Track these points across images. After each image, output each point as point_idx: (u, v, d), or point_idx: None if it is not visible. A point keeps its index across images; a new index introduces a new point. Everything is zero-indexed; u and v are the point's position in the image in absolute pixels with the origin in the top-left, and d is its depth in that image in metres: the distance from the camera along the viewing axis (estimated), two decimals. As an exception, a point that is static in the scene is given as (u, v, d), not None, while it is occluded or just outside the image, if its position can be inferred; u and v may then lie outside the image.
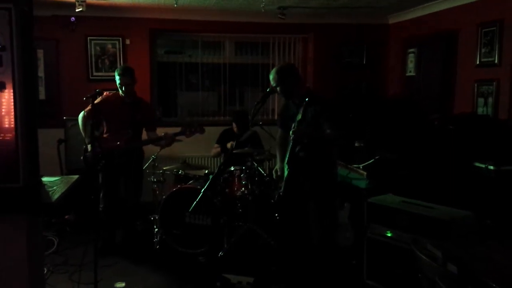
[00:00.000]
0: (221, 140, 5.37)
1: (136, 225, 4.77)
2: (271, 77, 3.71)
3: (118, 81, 4.33)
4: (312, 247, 3.79)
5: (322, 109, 3.51)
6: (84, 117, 4.38)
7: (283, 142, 4.03)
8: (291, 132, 3.57)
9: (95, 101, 4.30)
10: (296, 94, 3.69)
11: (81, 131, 4.43)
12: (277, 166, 4.00)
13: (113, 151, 4.26)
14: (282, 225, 4.40)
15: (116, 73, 4.36)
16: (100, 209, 4.41)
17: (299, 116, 3.46)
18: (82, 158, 4.43)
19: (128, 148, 4.33)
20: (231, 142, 5.07)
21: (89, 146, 4.33)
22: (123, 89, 4.34)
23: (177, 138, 4.41)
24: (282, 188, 3.84)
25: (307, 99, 3.48)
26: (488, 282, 1.97)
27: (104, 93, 4.40)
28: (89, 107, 4.34)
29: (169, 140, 4.39)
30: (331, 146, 3.80)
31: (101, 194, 4.42)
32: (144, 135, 4.58)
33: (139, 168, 4.57)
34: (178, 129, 4.40)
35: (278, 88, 3.68)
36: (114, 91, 4.53)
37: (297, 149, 3.65)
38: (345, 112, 5.53)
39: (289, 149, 3.68)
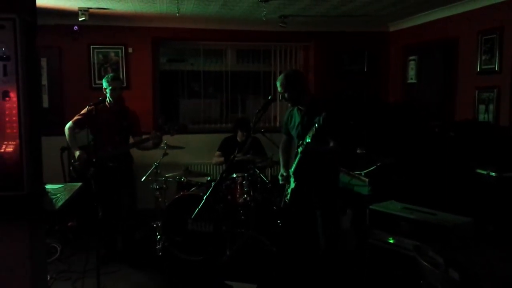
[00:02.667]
0: (223, 148, 5.38)
1: (134, 233, 4.77)
2: (278, 82, 3.70)
3: (111, 85, 4.36)
4: (319, 254, 3.78)
5: (327, 118, 3.52)
6: (70, 128, 4.39)
7: (286, 147, 4.04)
8: (299, 150, 3.57)
9: (82, 112, 4.36)
10: (302, 101, 3.70)
11: (68, 141, 4.44)
12: (282, 171, 4.00)
13: (102, 158, 4.23)
14: (286, 232, 4.40)
15: (106, 79, 4.39)
16: (99, 216, 4.42)
17: (310, 135, 3.43)
18: (71, 168, 4.45)
19: (116, 152, 4.36)
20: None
21: (76, 155, 4.34)
22: (115, 93, 4.38)
23: (164, 136, 4.45)
24: (288, 197, 3.84)
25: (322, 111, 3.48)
26: (490, 288, 1.98)
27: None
28: (76, 117, 4.39)
29: (156, 139, 4.40)
30: (334, 155, 3.81)
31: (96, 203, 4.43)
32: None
33: (130, 174, 4.60)
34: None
35: (285, 94, 3.68)
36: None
37: (305, 164, 3.65)
38: (346, 119, 5.55)
39: (296, 162, 3.69)
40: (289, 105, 3.89)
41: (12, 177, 2.25)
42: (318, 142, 3.52)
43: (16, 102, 2.24)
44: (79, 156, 4.30)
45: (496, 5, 4.71)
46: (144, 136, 4.48)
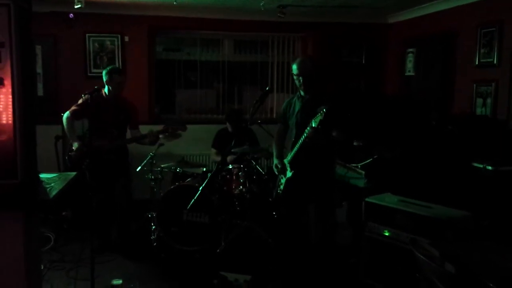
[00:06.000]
0: (217, 142, 5.32)
1: (129, 224, 4.75)
2: (298, 65, 3.65)
3: (118, 80, 4.31)
4: (311, 245, 3.78)
5: (332, 109, 3.50)
6: (68, 118, 4.32)
7: (281, 136, 4.02)
8: (303, 137, 3.53)
9: (79, 102, 4.31)
10: (314, 88, 3.69)
11: (66, 131, 4.38)
12: (276, 162, 3.98)
13: (98, 150, 4.21)
14: (281, 224, 4.39)
15: (109, 72, 4.32)
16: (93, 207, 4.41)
17: (317, 120, 3.38)
18: (66, 157, 4.42)
19: (113, 147, 4.34)
20: (230, 157, 5.00)
21: (74, 145, 4.29)
22: (120, 87, 4.33)
23: (161, 136, 4.41)
24: (282, 187, 3.83)
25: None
26: (486, 282, 1.98)
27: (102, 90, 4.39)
28: (74, 108, 4.33)
29: (153, 138, 4.39)
30: (332, 146, 3.80)
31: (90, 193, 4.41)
32: (128, 134, 4.58)
33: (126, 165, 4.58)
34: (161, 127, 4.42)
35: (303, 78, 3.64)
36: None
37: (304, 153, 3.62)
38: (344, 111, 5.54)
39: (293, 151, 3.67)
40: (294, 93, 3.86)
41: (5, 166, 2.23)
42: (321, 135, 3.50)
43: (10, 90, 2.21)
44: (77, 148, 4.26)
45: (496, -2, 4.70)
46: (142, 133, 4.45)
